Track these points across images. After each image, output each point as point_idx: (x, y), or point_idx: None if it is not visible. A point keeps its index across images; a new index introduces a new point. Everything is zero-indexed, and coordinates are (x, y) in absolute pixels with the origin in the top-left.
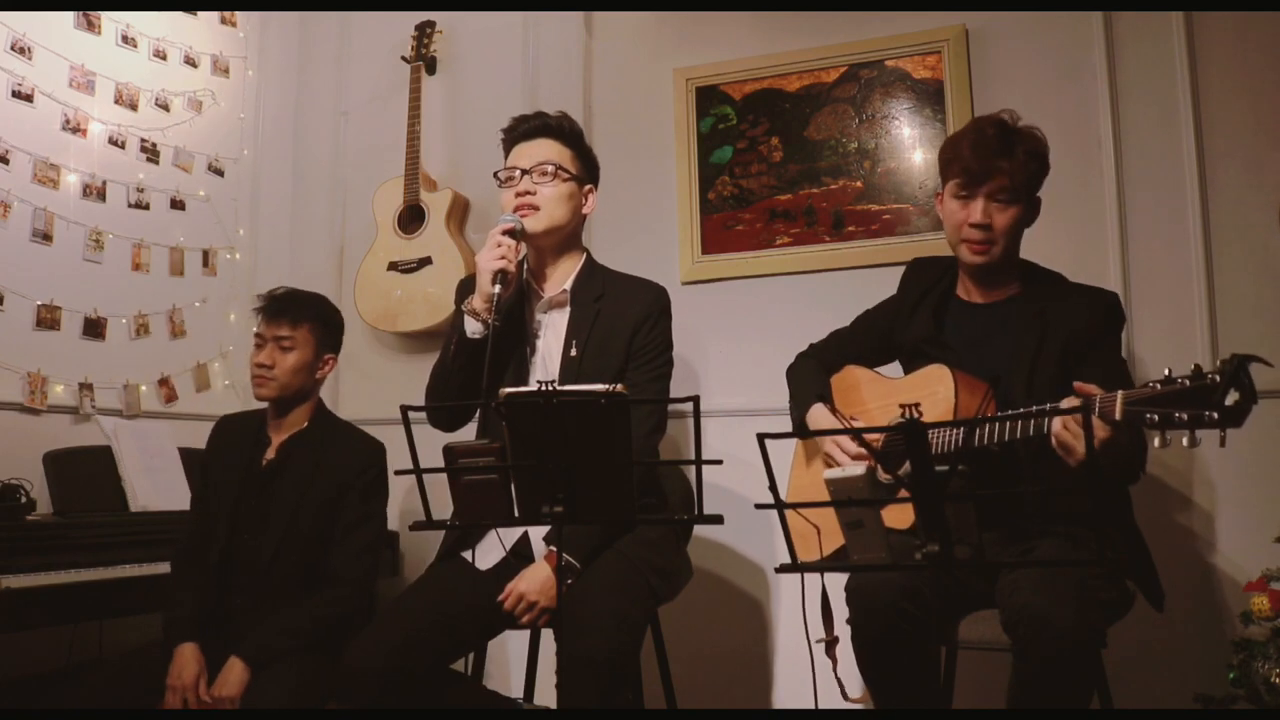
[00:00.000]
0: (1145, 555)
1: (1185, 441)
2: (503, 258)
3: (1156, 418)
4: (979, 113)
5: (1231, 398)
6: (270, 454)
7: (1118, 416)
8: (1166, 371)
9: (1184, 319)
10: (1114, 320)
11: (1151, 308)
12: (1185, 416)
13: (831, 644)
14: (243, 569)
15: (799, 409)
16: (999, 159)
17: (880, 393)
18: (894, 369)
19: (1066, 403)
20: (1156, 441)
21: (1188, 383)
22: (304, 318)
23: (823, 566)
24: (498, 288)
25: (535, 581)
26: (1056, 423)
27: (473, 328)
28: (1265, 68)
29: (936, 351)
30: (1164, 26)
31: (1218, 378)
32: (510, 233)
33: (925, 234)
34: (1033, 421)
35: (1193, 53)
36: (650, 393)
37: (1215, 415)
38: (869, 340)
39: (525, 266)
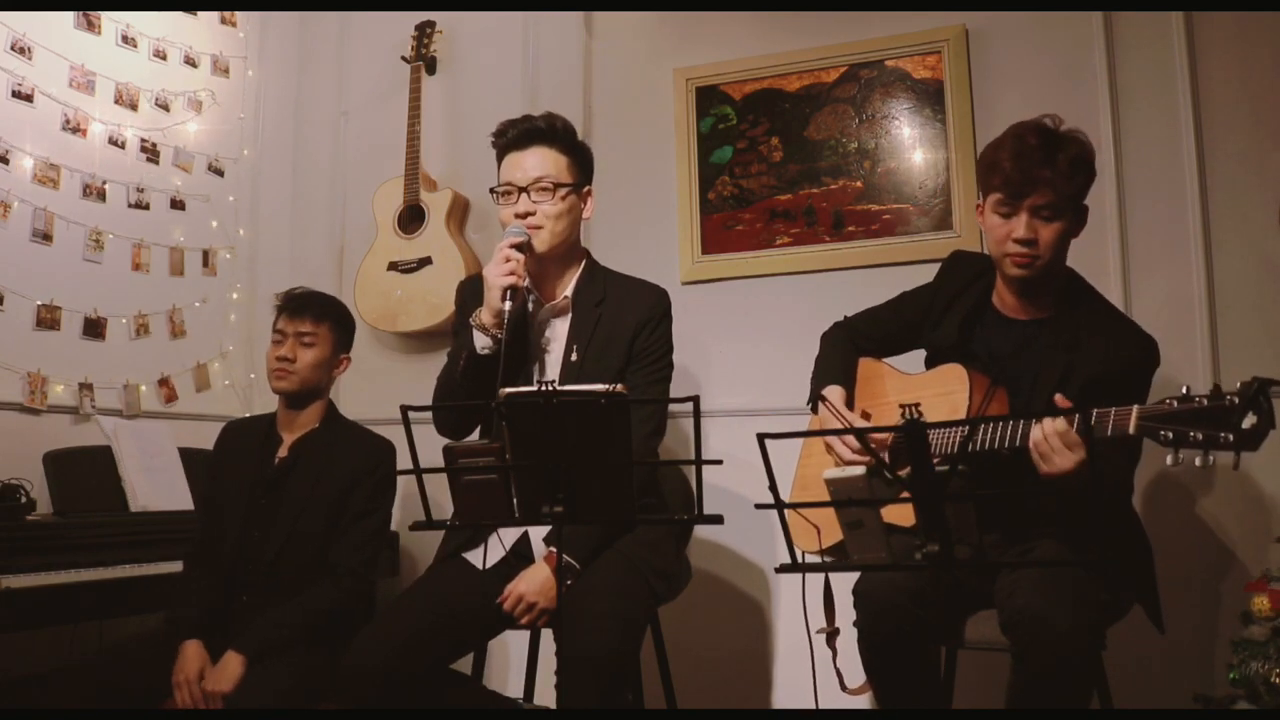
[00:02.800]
0: (1150, 576)
1: (1198, 461)
2: (512, 273)
3: (1171, 435)
4: (979, 113)
5: (1249, 421)
6: (283, 453)
7: (1132, 430)
8: (1184, 389)
9: (1184, 319)
10: (1147, 367)
11: (1151, 307)
12: (1200, 436)
13: (832, 635)
14: (252, 566)
15: (817, 385)
16: (1041, 169)
17: (900, 387)
18: (915, 362)
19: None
20: (1169, 459)
21: (1205, 402)
22: (326, 315)
23: (823, 567)
24: (508, 304)
25: (535, 582)
26: (1036, 430)
27: (482, 342)
28: (1265, 68)
29: (962, 360)
30: (1164, 26)
31: (1236, 399)
32: (518, 245)
33: (925, 234)
34: (1021, 428)
35: (1193, 53)
36: (650, 395)
37: (1230, 437)
38: (896, 327)
39: (528, 275)
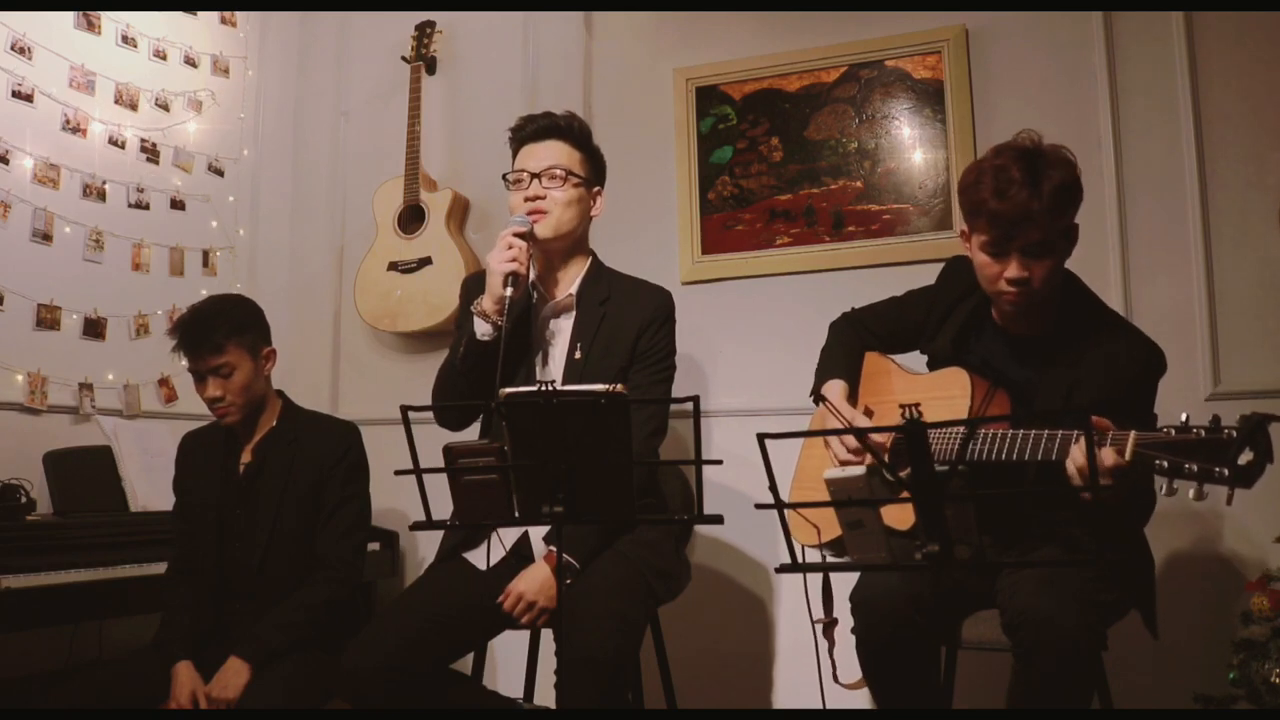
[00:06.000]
0: (1149, 582)
1: (1191, 494)
2: (514, 259)
3: (1166, 464)
4: (979, 113)
5: (1245, 457)
6: (246, 457)
7: (1126, 456)
8: (1183, 418)
9: (1184, 320)
10: (1151, 378)
11: (1151, 309)
12: (1195, 468)
13: (830, 626)
14: (237, 576)
15: (821, 377)
16: (1029, 205)
17: (905, 386)
18: (921, 360)
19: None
20: (1163, 489)
21: (1203, 433)
22: (224, 337)
23: (824, 567)
24: (509, 290)
25: (534, 582)
26: (1079, 456)
27: (482, 329)
28: (1265, 68)
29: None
30: (1164, 26)
31: (1234, 433)
32: (522, 235)
33: (925, 234)
34: (1042, 447)
35: (1193, 53)
36: (652, 396)
37: (1225, 473)
38: (900, 326)
39: (533, 269)
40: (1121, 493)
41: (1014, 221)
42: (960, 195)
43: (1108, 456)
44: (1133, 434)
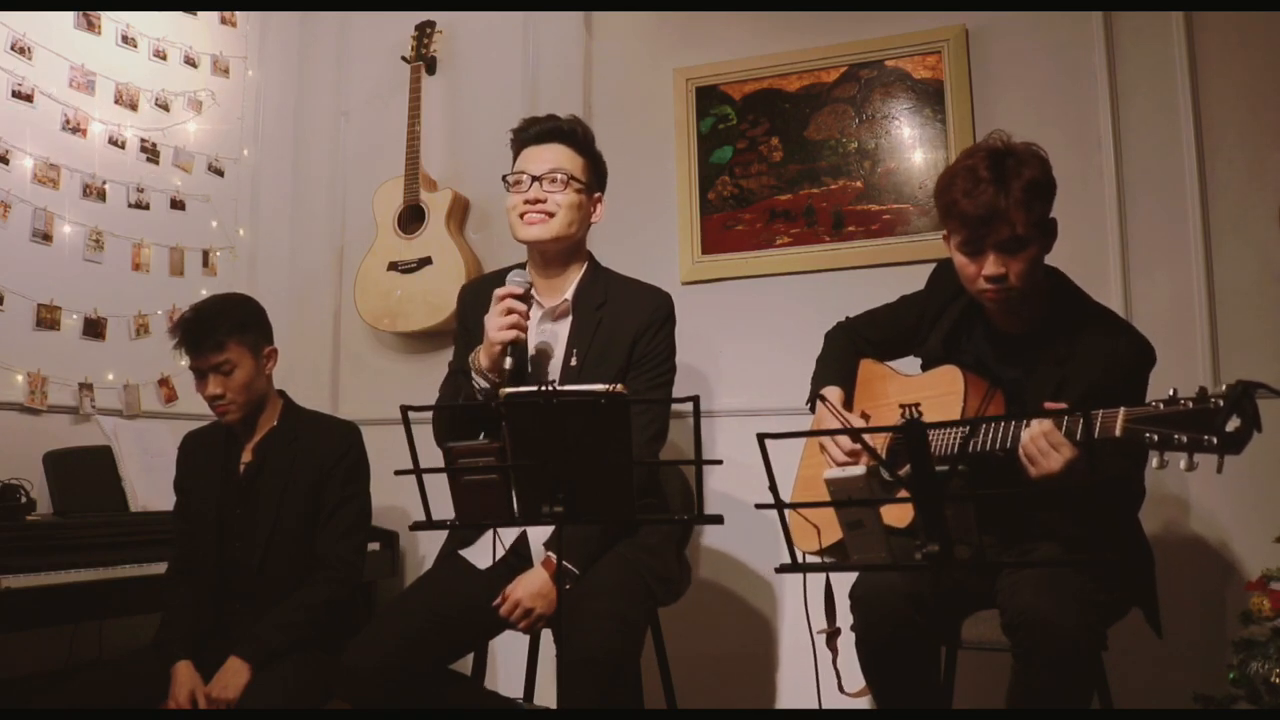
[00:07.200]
0: (1150, 580)
1: (1183, 465)
2: (514, 327)
3: (1156, 437)
4: (979, 113)
5: (1233, 424)
6: (247, 457)
7: (1118, 432)
8: (1171, 391)
9: (1184, 319)
10: (1142, 369)
11: (1151, 308)
12: (1185, 439)
13: (833, 635)
14: (237, 575)
15: (816, 385)
16: (997, 202)
17: (900, 388)
18: (915, 365)
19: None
20: (1155, 462)
21: (1190, 404)
22: (226, 334)
23: (824, 567)
24: (509, 362)
25: (531, 588)
26: (1024, 434)
27: (481, 386)
28: (1265, 68)
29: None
30: (1164, 26)
31: (1220, 402)
32: (520, 297)
33: (925, 234)
34: (1010, 434)
35: (1193, 53)
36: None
37: (1214, 440)
38: (894, 331)
39: (530, 286)
40: (1084, 466)
41: (984, 220)
42: (935, 199)
43: (1046, 424)
44: (1122, 410)
